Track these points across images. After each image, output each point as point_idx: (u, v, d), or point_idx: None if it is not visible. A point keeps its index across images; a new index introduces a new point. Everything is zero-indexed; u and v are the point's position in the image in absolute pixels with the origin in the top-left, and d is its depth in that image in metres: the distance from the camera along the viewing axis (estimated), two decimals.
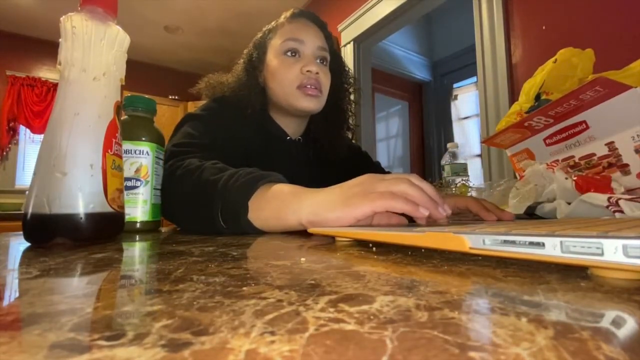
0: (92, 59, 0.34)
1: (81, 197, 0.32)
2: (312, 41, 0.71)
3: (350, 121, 0.84)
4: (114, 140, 0.35)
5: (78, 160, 0.32)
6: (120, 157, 0.37)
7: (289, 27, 0.71)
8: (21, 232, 0.33)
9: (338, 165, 0.82)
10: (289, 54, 0.69)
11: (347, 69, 0.83)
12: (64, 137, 0.32)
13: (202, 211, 0.44)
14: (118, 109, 0.37)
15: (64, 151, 0.32)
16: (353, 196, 0.35)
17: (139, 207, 0.48)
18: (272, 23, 0.75)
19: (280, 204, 0.40)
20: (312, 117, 0.78)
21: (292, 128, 0.77)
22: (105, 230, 0.35)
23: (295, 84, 0.68)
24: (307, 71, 0.68)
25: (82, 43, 0.34)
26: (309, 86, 0.68)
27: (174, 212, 0.51)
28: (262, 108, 0.73)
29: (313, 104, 0.70)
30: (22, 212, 0.32)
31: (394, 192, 0.34)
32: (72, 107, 0.33)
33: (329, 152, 0.81)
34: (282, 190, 0.41)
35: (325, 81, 0.72)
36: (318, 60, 0.72)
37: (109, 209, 0.34)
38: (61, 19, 0.33)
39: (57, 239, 0.31)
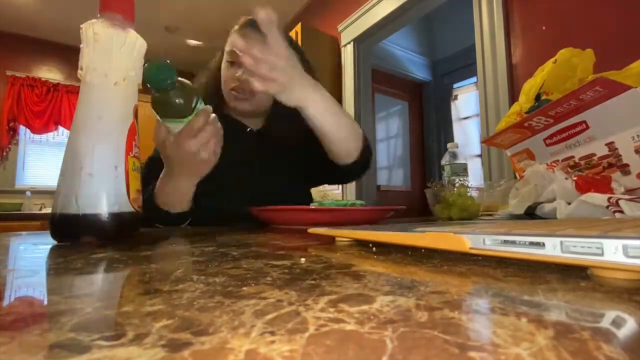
0: (113, 64, 0.35)
1: (107, 198, 0.33)
2: None
3: None
4: (133, 142, 0.37)
5: (103, 162, 0.33)
6: (139, 158, 0.39)
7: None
8: (23, 232, 0.33)
9: (296, 151, 0.83)
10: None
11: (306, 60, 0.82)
12: (89, 140, 0.33)
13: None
14: (136, 112, 0.38)
15: (90, 153, 0.33)
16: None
17: None
18: None
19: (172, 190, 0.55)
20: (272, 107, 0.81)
21: (250, 121, 0.81)
22: (127, 229, 0.36)
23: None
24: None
25: (104, 49, 0.34)
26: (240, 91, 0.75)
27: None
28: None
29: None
30: (50, 212, 0.33)
31: None
32: (95, 110, 0.34)
33: (288, 140, 0.81)
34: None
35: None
36: None
37: (130, 209, 0.35)
38: (82, 25, 0.34)
39: (83, 237, 0.32)
